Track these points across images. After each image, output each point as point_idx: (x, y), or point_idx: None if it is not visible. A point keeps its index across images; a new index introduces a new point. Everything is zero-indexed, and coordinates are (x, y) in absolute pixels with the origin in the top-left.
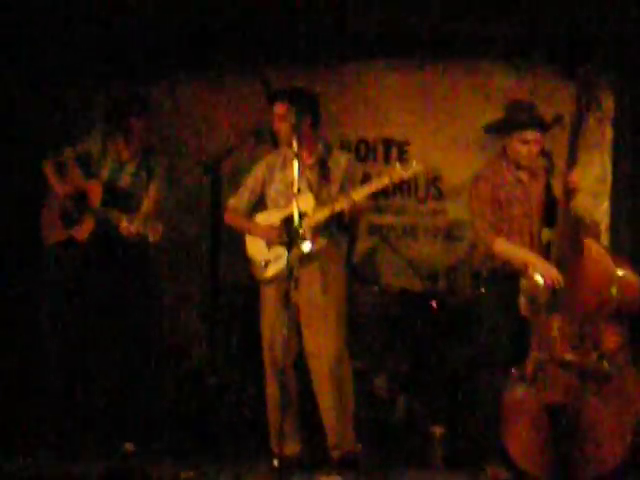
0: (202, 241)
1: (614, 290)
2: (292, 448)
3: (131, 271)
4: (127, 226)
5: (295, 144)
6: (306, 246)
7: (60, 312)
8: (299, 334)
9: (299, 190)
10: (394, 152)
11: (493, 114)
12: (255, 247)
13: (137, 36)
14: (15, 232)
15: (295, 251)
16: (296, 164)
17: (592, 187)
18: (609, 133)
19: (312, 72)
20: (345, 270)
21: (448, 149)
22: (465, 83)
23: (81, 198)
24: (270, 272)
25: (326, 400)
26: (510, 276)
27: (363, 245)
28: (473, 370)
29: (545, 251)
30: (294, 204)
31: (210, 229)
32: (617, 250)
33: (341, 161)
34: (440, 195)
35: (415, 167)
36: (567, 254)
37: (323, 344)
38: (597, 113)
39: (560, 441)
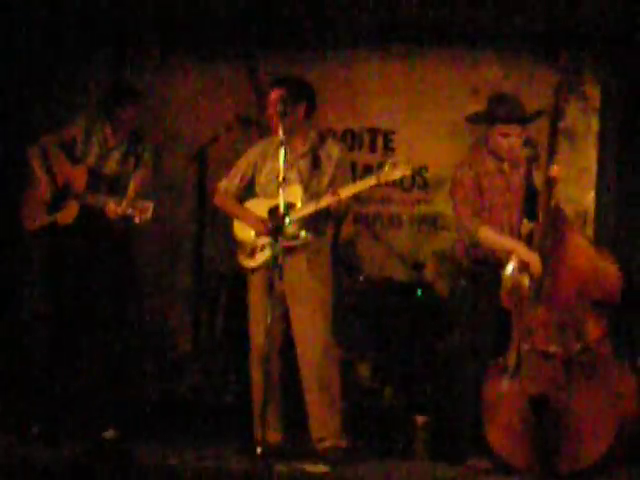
0: (187, 229)
1: (595, 280)
2: (274, 436)
3: (113, 257)
4: (114, 209)
5: (282, 132)
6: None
7: (41, 299)
8: (287, 322)
9: (286, 180)
10: (380, 141)
11: (479, 104)
12: (243, 232)
13: (124, 22)
14: None
15: (281, 241)
16: (282, 153)
17: (577, 177)
18: (595, 124)
19: (297, 61)
20: (331, 260)
21: (434, 139)
22: (451, 73)
23: (65, 183)
24: (255, 261)
25: (312, 390)
26: (492, 266)
27: (346, 231)
28: (456, 360)
29: (525, 242)
30: (280, 195)
31: (196, 217)
32: (603, 240)
33: (333, 152)
34: (425, 185)
35: (404, 169)
36: (548, 245)
37: (309, 333)
38: (582, 103)
39: (543, 433)
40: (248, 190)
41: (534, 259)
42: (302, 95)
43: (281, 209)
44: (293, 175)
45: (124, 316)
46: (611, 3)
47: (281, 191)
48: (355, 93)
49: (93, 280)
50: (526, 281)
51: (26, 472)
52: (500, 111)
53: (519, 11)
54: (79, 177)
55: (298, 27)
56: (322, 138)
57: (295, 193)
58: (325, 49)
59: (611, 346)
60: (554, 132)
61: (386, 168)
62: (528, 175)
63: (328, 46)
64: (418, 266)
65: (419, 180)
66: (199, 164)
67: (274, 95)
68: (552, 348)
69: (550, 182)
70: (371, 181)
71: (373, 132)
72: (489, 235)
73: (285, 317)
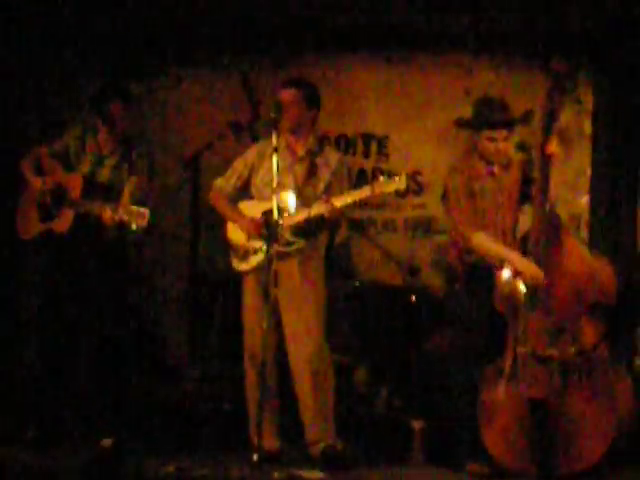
0: (182, 235)
1: (591, 283)
2: (271, 443)
3: (109, 264)
4: (110, 215)
5: (274, 137)
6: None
7: (38, 306)
8: (281, 328)
9: (280, 185)
10: (373, 147)
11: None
12: (236, 233)
13: (116, 31)
14: None
15: (273, 247)
16: (275, 160)
17: (571, 181)
18: (588, 127)
19: (289, 67)
20: (324, 264)
21: (428, 143)
22: (445, 78)
23: (60, 191)
24: (248, 264)
25: (306, 394)
26: (485, 271)
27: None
28: (452, 365)
29: (520, 246)
30: (274, 200)
31: (190, 223)
32: (597, 243)
33: (331, 160)
34: (420, 189)
35: (398, 183)
36: (544, 249)
37: (303, 338)
38: (575, 107)
39: (540, 437)
40: (244, 191)
41: (528, 268)
42: (315, 99)
43: (274, 215)
44: (288, 180)
45: (120, 322)
46: (603, 7)
47: (274, 197)
48: (349, 98)
49: (89, 287)
50: (522, 287)
51: (21, 477)
52: (486, 115)
53: (512, 16)
54: (74, 185)
55: (291, 33)
56: (321, 144)
57: (289, 199)
58: (319, 55)
59: (607, 349)
60: (551, 118)
61: (381, 179)
62: (521, 178)
63: (321, 52)
64: (413, 270)
65: (413, 185)
66: (193, 170)
67: (287, 95)
68: (548, 352)
69: (546, 158)
70: (365, 192)
71: (367, 137)
72: (483, 242)
73: (279, 323)
